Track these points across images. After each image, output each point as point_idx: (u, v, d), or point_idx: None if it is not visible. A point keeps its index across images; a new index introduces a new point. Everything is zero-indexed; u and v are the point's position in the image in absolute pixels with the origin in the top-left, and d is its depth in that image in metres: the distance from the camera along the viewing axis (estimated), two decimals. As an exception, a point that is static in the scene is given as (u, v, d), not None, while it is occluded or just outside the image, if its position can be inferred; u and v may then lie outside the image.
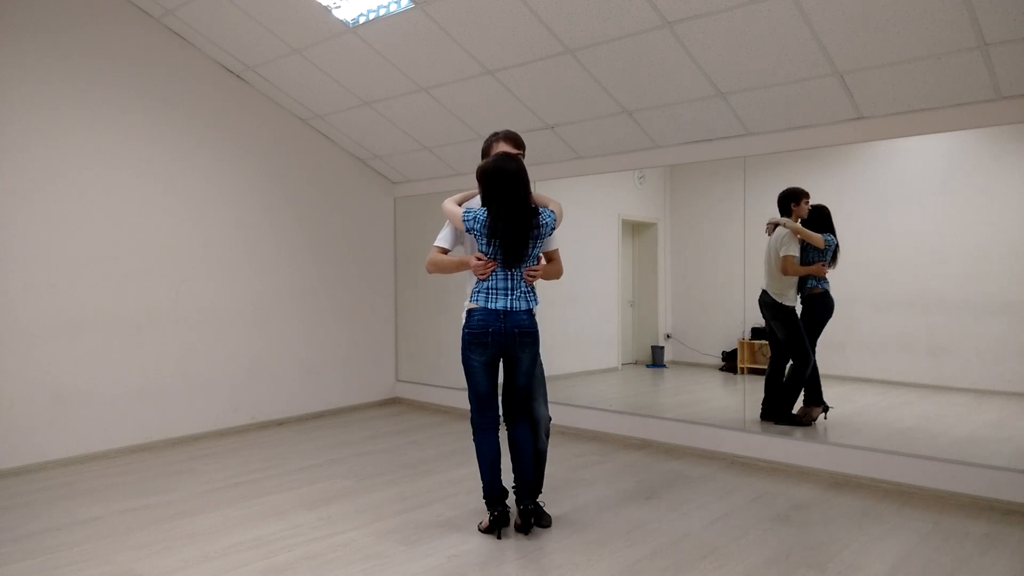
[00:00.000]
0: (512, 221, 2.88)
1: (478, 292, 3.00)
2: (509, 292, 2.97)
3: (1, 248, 4.07)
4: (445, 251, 3.13)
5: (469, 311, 3.01)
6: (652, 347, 6.66)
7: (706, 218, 6.32)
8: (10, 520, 3.31)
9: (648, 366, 6.65)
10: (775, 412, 4.43)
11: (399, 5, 3.86)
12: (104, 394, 4.47)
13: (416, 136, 5.34)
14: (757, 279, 4.61)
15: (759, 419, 4.48)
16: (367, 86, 4.80)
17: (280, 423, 5.43)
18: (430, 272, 3.15)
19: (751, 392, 4.94)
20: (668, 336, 6.63)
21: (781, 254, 4.40)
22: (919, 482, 3.63)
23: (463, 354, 3.04)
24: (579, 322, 6.23)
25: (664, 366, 6.57)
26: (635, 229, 6.75)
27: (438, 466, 4.22)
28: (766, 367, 5.07)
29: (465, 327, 3.02)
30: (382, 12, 3.94)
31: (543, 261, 3.14)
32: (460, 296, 6.10)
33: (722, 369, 6.06)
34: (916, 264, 4.79)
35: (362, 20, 4.07)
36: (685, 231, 6.52)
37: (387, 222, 6.33)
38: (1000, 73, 3.23)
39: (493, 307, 2.94)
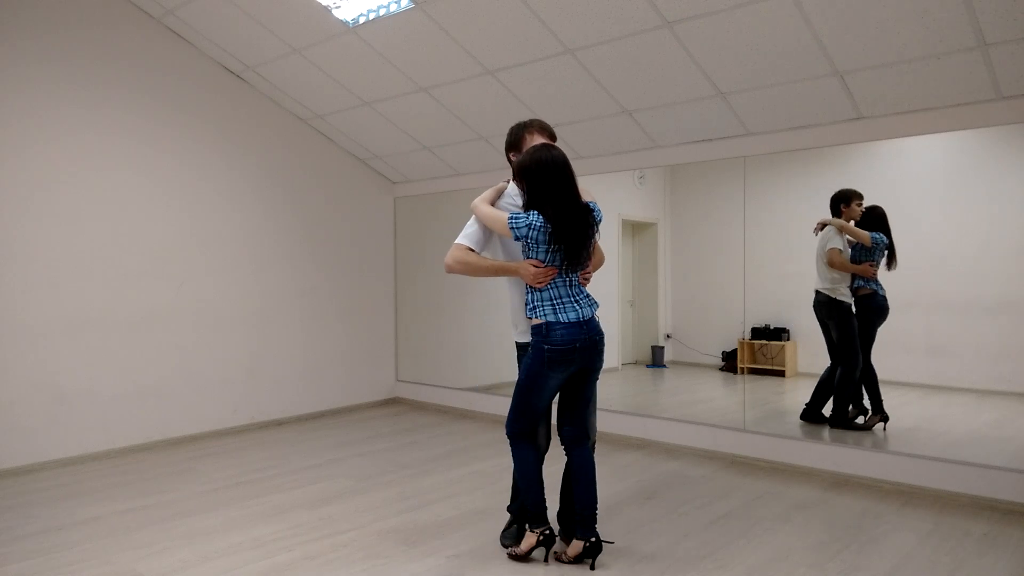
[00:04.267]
0: (575, 223, 2.58)
1: (543, 304, 2.64)
2: (575, 300, 2.66)
3: (1, 248, 4.07)
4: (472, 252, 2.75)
5: (548, 325, 2.62)
6: (652, 347, 6.66)
7: (706, 218, 6.31)
8: (10, 520, 3.31)
9: (648, 366, 6.64)
10: (822, 414, 4.39)
11: (399, 5, 3.86)
12: (104, 394, 4.47)
13: (416, 136, 5.34)
14: (757, 279, 4.61)
15: (799, 420, 4.44)
16: (367, 86, 4.80)
17: (280, 423, 5.43)
18: (455, 272, 2.72)
19: (751, 392, 4.95)
20: (668, 336, 6.63)
21: (827, 247, 4.37)
22: (919, 482, 3.63)
23: (537, 369, 2.66)
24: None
25: (664, 366, 6.57)
26: (635, 229, 6.75)
27: (438, 466, 4.22)
28: (767, 367, 5.07)
29: (545, 343, 2.62)
30: (382, 12, 3.95)
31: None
32: (461, 296, 6.06)
33: (722, 369, 6.06)
34: (916, 264, 4.78)
35: (362, 20, 4.07)
36: (685, 231, 6.52)
37: (387, 222, 6.33)
38: (1000, 73, 3.23)
39: (566, 319, 2.61)
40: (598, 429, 4.91)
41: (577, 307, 2.66)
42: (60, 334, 4.29)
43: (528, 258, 2.66)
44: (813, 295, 4.52)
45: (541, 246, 2.59)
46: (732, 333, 5.92)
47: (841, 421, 4.36)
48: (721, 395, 5.76)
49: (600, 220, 2.72)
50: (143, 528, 3.20)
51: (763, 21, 3.31)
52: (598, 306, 2.77)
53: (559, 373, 2.67)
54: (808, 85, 3.66)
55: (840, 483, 3.82)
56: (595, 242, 2.85)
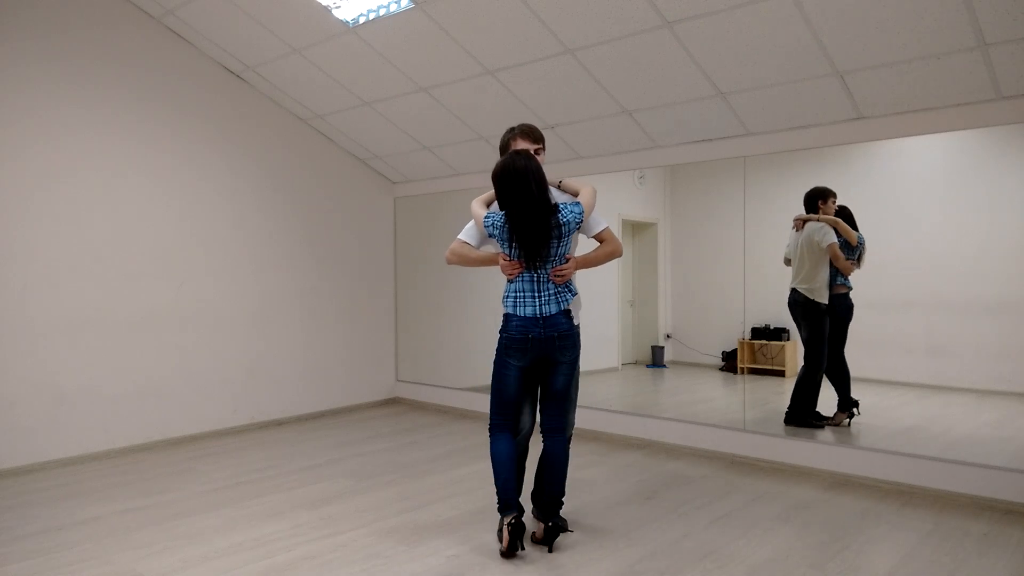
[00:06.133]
0: (528, 223, 2.76)
1: (507, 296, 2.91)
2: (536, 296, 2.85)
3: (1, 248, 4.07)
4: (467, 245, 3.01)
5: (508, 315, 2.91)
6: (652, 347, 6.66)
7: (706, 218, 6.32)
8: (10, 520, 3.31)
9: (648, 366, 6.65)
10: (799, 416, 4.41)
11: (399, 5, 3.86)
12: (104, 394, 4.47)
13: (416, 136, 5.34)
14: (757, 279, 4.61)
15: (783, 423, 4.46)
16: (367, 86, 4.80)
17: (280, 423, 5.43)
18: (451, 262, 3.01)
19: (751, 392, 4.95)
20: (668, 336, 6.63)
21: (825, 243, 4.31)
22: (919, 482, 3.63)
23: (498, 358, 2.93)
24: (579, 322, 6.22)
25: (664, 366, 6.57)
26: (635, 229, 6.75)
27: (438, 466, 4.22)
28: (767, 367, 5.07)
29: (503, 332, 2.92)
30: (382, 12, 3.95)
31: (597, 247, 2.98)
32: (460, 296, 6.07)
33: (722, 369, 6.06)
34: (916, 264, 4.79)
35: (362, 20, 4.07)
36: (685, 231, 6.52)
37: (387, 222, 6.33)
38: (1000, 73, 3.23)
39: (523, 313, 2.84)
40: (586, 427, 4.94)
41: (536, 303, 2.86)
42: (60, 334, 4.29)
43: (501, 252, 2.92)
44: (789, 292, 4.51)
45: (504, 242, 2.86)
46: (732, 333, 5.93)
47: (798, 419, 4.37)
48: (721, 395, 5.76)
49: (568, 221, 2.83)
50: (143, 528, 3.20)
51: (763, 21, 3.31)
52: (570, 300, 2.92)
53: (516, 361, 2.90)
54: (808, 85, 3.66)
55: (840, 483, 3.82)
56: (602, 232, 2.97)
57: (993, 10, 2.93)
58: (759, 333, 5.59)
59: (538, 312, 2.84)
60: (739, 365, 5.76)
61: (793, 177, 4.79)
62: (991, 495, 3.43)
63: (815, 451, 4.03)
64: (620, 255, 3.01)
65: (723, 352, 6.09)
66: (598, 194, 3.03)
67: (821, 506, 3.45)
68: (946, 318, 4.68)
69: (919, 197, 4.81)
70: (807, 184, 4.49)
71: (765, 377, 5.58)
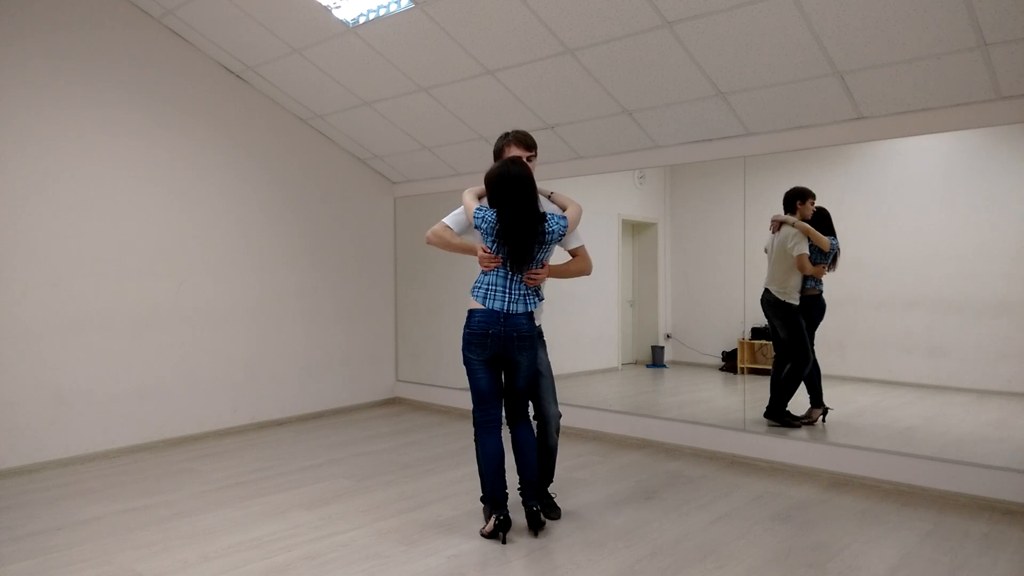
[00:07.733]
0: (517, 227, 2.91)
1: (479, 287, 3.02)
2: (507, 292, 2.98)
3: (1, 248, 4.07)
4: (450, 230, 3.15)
5: (471, 311, 3.03)
6: (652, 347, 6.66)
7: (706, 218, 6.32)
8: (10, 520, 3.31)
9: (648, 366, 6.65)
10: (777, 412, 4.44)
11: (399, 5, 3.86)
12: (104, 394, 4.47)
13: (416, 136, 5.34)
14: (757, 279, 4.61)
15: (762, 417, 4.48)
16: (367, 86, 4.80)
17: (280, 423, 5.43)
18: (430, 243, 3.15)
19: (751, 392, 4.95)
20: (668, 336, 6.63)
21: (795, 253, 4.40)
22: (919, 482, 3.63)
23: (463, 353, 3.07)
24: (579, 322, 6.23)
25: (664, 366, 6.57)
26: (635, 229, 6.75)
27: (438, 466, 4.22)
28: (766, 367, 5.07)
29: (465, 327, 3.04)
30: (382, 12, 3.95)
31: (564, 259, 3.18)
32: (461, 296, 6.09)
33: (722, 369, 6.06)
34: (916, 264, 4.79)
35: (362, 20, 4.08)
36: (685, 231, 6.52)
37: (387, 222, 6.33)
38: (1000, 73, 3.23)
39: (490, 307, 2.97)
40: (586, 427, 4.94)
41: (505, 299, 2.98)
42: (60, 334, 4.29)
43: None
44: (762, 292, 4.55)
45: (488, 238, 2.99)
46: (732, 333, 5.93)
47: (779, 416, 4.40)
48: (721, 395, 5.77)
49: (553, 231, 2.99)
50: (143, 528, 3.20)
51: (763, 21, 3.31)
52: (536, 304, 3.06)
53: (477, 355, 3.02)
54: (808, 85, 3.66)
55: (840, 483, 3.82)
56: (578, 248, 3.16)
57: (993, 10, 2.93)
58: (759, 333, 5.59)
59: (505, 308, 2.97)
60: (739, 365, 5.76)
61: (793, 177, 4.79)
62: (991, 495, 3.43)
63: (815, 451, 4.03)
64: (589, 273, 3.21)
65: (723, 352, 6.09)
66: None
67: (821, 506, 3.45)
68: (946, 318, 4.68)
69: (919, 197, 4.81)
70: (807, 184, 4.49)
71: (765, 377, 5.56)
